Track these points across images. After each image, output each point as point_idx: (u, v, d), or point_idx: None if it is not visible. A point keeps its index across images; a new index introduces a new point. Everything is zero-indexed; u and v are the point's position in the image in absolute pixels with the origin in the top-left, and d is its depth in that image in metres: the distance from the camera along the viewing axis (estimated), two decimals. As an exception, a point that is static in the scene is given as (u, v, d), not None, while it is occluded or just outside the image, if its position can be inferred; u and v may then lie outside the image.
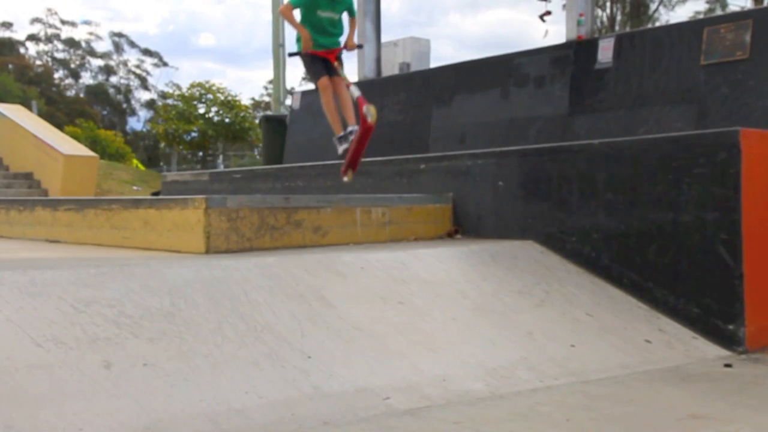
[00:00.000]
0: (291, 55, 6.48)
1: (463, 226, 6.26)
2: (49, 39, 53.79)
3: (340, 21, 6.24)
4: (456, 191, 6.33)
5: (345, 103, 6.19)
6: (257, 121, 28.36)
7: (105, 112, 52.16)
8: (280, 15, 6.43)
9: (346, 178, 6.28)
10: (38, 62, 52.84)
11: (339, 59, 6.27)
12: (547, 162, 5.75)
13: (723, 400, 3.52)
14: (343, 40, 6.37)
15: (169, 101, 30.78)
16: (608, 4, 32.13)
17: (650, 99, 8.58)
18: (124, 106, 54.72)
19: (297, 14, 6.14)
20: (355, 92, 5.98)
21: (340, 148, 6.29)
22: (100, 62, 54.72)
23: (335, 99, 6.20)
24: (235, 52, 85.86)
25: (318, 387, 3.39)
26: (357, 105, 5.92)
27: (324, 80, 6.15)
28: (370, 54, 12.72)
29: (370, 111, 5.75)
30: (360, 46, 6.41)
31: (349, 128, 6.19)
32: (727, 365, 4.19)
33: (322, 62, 6.19)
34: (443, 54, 75.86)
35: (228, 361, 3.40)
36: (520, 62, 10.08)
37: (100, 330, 3.36)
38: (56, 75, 53.38)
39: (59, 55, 54.21)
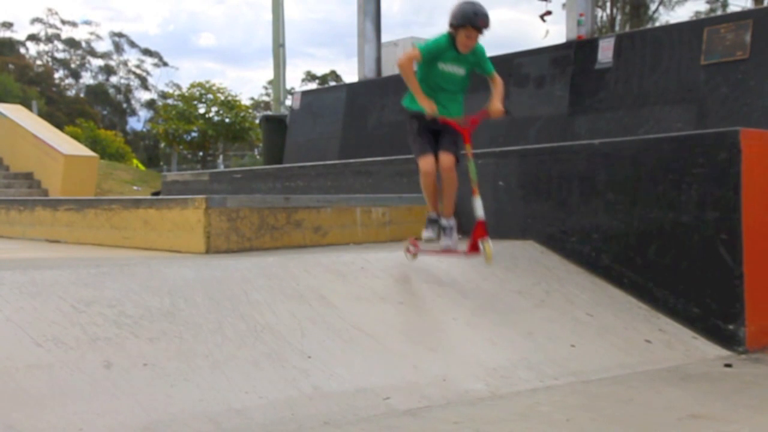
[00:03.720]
0: (407, 109, 4.76)
1: (463, 226, 6.25)
2: (49, 39, 53.83)
3: (465, 80, 4.74)
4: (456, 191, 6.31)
5: (448, 192, 4.64)
6: (257, 121, 28.37)
7: (105, 112, 52.18)
8: (399, 68, 4.62)
9: (409, 255, 4.81)
10: (38, 62, 52.87)
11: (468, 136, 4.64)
12: (547, 162, 5.75)
13: (723, 400, 3.52)
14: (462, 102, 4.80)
15: (170, 101, 30.79)
16: (608, 4, 32.13)
17: (650, 99, 8.58)
18: (124, 106, 54.75)
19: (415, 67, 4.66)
20: (479, 211, 4.41)
21: (426, 233, 4.68)
22: (100, 62, 54.77)
23: (438, 182, 4.64)
24: (235, 52, 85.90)
25: (318, 387, 3.39)
26: (475, 228, 4.42)
27: (427, 161, 4.56)
28: (370, 54, 12.72)
29: (486, 250, 4.36)
30: (507, 112, 4.71)
31: (444, 221, 4.67)
32: (727, 365, 4.19)
33: (431, 133, 4.64)
34: (443, 54, 75.75)
35: (228, 361, 3.40)
36: (520, 62, 10.07)
37: (100, 330, 3.36)
38: (56, 75, 53.42)
39: (59, 55, 54.26)
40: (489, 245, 4.37)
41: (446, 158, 4.55)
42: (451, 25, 4.53)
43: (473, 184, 4.46)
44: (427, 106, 4.45)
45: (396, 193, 6.48)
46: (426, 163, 4.56)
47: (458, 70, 4.65)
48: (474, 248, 4.41)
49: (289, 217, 5.42)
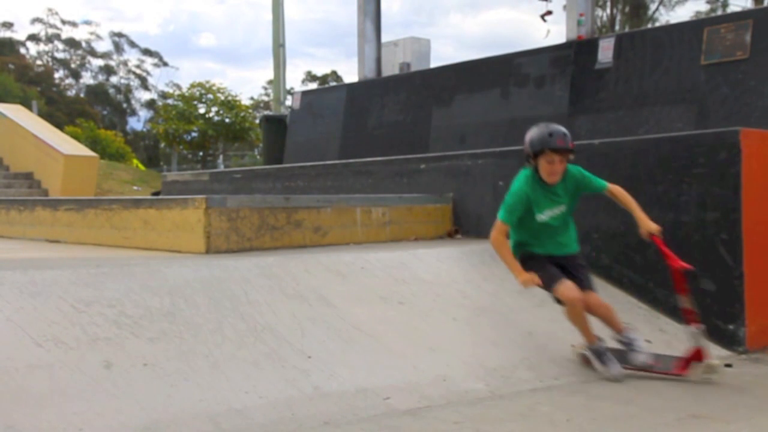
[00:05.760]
0: (523, 260, 4.04)
1: (463, 226, 6.26)
2: (49, 39, 53.84)
3: (571, 209, 4.11)
4: (456, 191, 6.33)
5: (610, 318, 4.03)
6: (257, 121, 28.39)
7: (105, 112, 52.19)
8: (492, 245, 3.99)
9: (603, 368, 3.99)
10: (39, 62, 52.88)
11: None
12: (547, 162, 5.74)
13: (723, 400, 3.52)
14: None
15: (170, 101, 30.80)
16: (608, 4, 32.14)
17: (650, 99, 8.58)
18: (125, 106, 54.77)
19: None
20: (699, 340, 3.86)
21: (611, 370, 3.91)
22: (100, 62, 54.80)
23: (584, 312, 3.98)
24: (235, 52, 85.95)
25: (318, 387, 3.39)
26: (693, 353, 3.87)
27: (570, 287, 3.86)
28: (370, 54, 12.72)
29: (713, 365, 3.82)
30: (659, 234, 3.98)
31: (624, 336, 3.99)
32: (727, 365, 4.18)
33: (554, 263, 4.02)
34: (443, 54, 75.94)
35: (228, 361, 3.40)
36: (520, 62, 10.07)
37: (100, 330, 3.36)
38: (56, 75, 53.43)
39: (59, 55, 54.28)
40: (714, 361, 3.82)
41: (594, 296, 3.99)
42: (528, 157, 3.95)
43: (691, 314, 3.92)
44: (525, 280, 3.82)
45: (396, 193, 6.48)
46: (569, 289, 3.85)
47: (558, 211, 4.01)
48: (685, 369, 3.87)
49: (289, 217, 5.42)
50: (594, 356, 3.95)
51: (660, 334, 4.63)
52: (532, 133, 3.96)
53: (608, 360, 3.92)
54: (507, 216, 3.94)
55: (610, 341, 4.03)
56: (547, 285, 3.94)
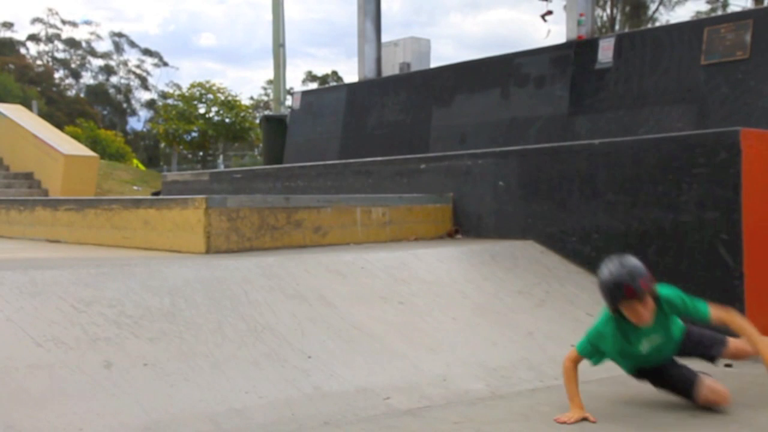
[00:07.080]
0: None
1: (463, 226, 6.26)
2: (49, 39, 53.90)
3: (669, 332, 3.48)
4: (456, 191, 6.33)
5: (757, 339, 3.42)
6: (257, 121, 28.42)
7: (105, 112, 52.23)
8: (563, 371, 3.46)
9: None
10: (39, 62, 52.92)
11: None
12: (547, 162, 5.75)
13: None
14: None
15: (170, 101, 30.82)
16: (608, 4, 32.15)
17: (650, 99, 8.58)
18: (125, 106, 54.81)
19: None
20: None
21: None
22: (100, 62, 54.85)
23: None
24: (235, 52, 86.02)
25: (318, 387, 3.39)
26: None
27: (711, 391, 3.37)
28: (370, 54, 12.72)
29: None
30: None
31: None
32: (728, 365, 4.18)
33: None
34: (443, 54, 75.99)
35: (228, 361, 3.41)
36: (520, 62, 10.07)
37: (101, 330, 3.36)
38: (57, 75, 53.46)
39: (60, 55, 54.32)
40: None
41: (735, 343, 3.58)
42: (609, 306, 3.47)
43: None
44: (574, 414, 3.26)
45: (396, 193, 6.48)
46: (713, 391, 3.39)
47: (658, 339, 3.49)
48: None
49: (289, 217, 5.42)
50: None
51: (660, 334, 4.63)
52: (601, 287, 3.46)
53: None
54: (585, 350, 3.48)
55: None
56: (684, 392, 3.46)
